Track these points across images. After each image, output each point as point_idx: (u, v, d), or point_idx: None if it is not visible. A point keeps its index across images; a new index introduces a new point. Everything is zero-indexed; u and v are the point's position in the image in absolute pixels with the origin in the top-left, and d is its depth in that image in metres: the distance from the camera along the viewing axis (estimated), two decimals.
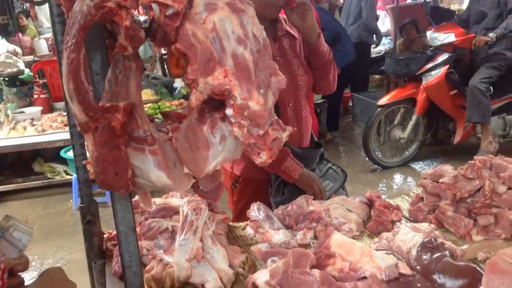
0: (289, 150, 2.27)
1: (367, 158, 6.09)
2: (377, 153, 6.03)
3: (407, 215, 2.03)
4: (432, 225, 1.75)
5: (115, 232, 1.29)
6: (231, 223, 2.09)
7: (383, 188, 5.59)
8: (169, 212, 1.75)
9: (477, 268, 1.52)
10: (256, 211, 2.00)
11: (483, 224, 1.78)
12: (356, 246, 1.54)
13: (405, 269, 1.55)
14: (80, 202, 1.69)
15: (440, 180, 1.90)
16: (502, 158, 1.95)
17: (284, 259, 1.45)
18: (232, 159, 1.27)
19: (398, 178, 5.89)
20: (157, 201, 1.81)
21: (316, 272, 1.40)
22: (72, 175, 5.43)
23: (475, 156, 1.94)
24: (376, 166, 6.07)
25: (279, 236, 1.87)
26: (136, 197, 1.78)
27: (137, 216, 1.77)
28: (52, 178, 5.74)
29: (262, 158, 1.20)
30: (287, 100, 2.29)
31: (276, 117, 1.26)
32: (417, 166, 6.07)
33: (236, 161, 2.40)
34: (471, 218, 1.82)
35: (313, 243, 1.84)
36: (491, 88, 5.56)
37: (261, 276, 1.50)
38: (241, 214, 2.30)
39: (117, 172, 1.10)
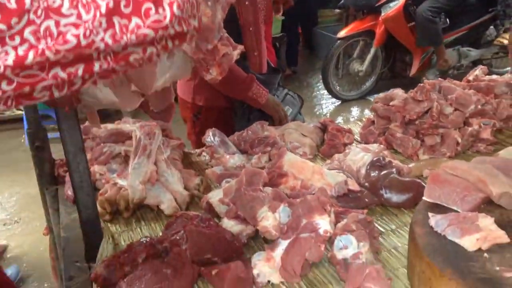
0: (254, 76, 2.26)
1: (326, 92, 6.15)
2: (336, 86, 6.09)
3: (359, 139, 2.08)
4: (382, 146, 1.81)
5: None
6: (186, 150, 2.09)
7: (340, 121, 5.70)
8: (122, 137, 1.72)
9: (422, 183, 1.60)
10: (211, 136, 2.00)
11: (429, 144, 1.85)
12: (308, 165, 1.58)
13: (353, 186, 1.61)
14: (28, 128, 1.64)
15: (391, 103, 1.95)
16: (451, 81, 2.01)
17: (237, 178, 1.47)
18: (181, 77, 1.25)
19: (355, 110, 6.00)
20: (109, 126, 1.78)
21: (269, 189, 1.44)
22: (22, 111, 5.24)
23: (424, 79, 1.98)
24: (334, 99, 6.15)
25: (234, 160, 1.90)
26: (86, 123, 1.74)
27: (89, 142, 1.74)
28: (3, 114, 5.54)
29: (212, 75, 1.19)
30: (248, 25, 2.24)
31: (226, 34, 1.23)
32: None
33: (198, 91, 2.37)
34: (419, 139, 1.89)
35: None
36: (447, 20, 5.62)
37: (215, 195, 1.52)
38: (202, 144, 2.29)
39: None
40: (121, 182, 1.63)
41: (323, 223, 1.26)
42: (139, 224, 1.60)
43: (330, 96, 6.15)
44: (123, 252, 1.31)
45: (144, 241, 1.36)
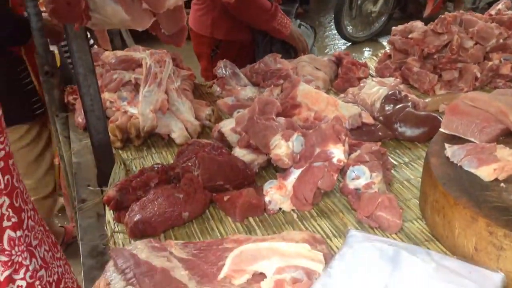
0: (278, 5, 2.18)
1: (336, 34, 6.00)
2: (347, 27, 5.92)
3: (374, 74, 2.03)
4: (398, 80, 1.76)
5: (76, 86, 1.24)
6: (197, 82, 2.05)
7: None
8: (131, 64, 1.68)
9: (438, 117, 1.56)
10: (222, 68, 1.96)
11: (447, 78, 1.80)
12: (322, 96, 1.55)
13: (367, 119, 1.58)
14: (36, 52, 1.60)
15: (409, 36, 1.87)
16: (472, 14, 1.92)
17: (250, 107, 1.44)
18: None
19: (367, 52, 5.87)
20: (118, 53, 1.73)
21: (281, 119, 1.41)
22: None
23: (446, 12, 1.89)
24: (344, 41, 6.01)
25: (245, 92, 1.86)
26: (96, 48, 1.70)
27: (98, 69, 1.70)
28: None
29: None
30: None
31: None
32: (385, 40, 6.03)
33: (217, 24, 2.29)
34: (436, 73, 1.84)
35: None
36: None
37: (227, 125, 1.50)
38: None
39: (68, 1, 1.01)
40: (131, 110, 1.61)
41: (337, 152, 1.24)
42: (150, 152, 1.59)
43: (340, 37, 6.01)
44: (135, 176, 1.31)
45: (156, 167, 1.35)
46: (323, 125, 1.27)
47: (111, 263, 1.06)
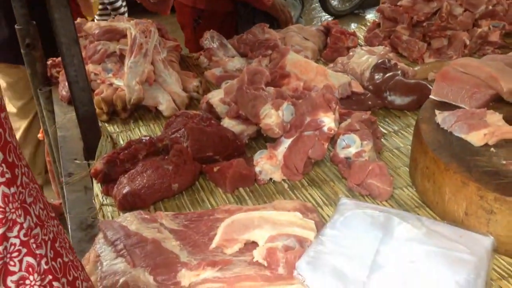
0: None
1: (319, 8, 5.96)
2: (332, 1, 5.89)
3: (363, 44, 2.01)
4: (387, 48, 1.75)
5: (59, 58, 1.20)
6: (183, 53, 2.01)
7: None
8: (116, 35, 1.63)
9: (427, 85, 1.56)
10: (209, 39, 1.92)
11: (436, 46, 1.78)
12: (311, 65, 1.52)
13: (357, 88, 1.57)
14: (17, 24, 1.54)
15: (399, 3, 1.85)
16: None
17: (239, 77, 1.42)
18: None
19: (352, 26, 5.82)
20: (102, 23, 1.68)
21: (271, 89, 1.39)
22: None
23: None
24: (328, 16, 5.97)
25: (233, 63, 1.83)
26: (78, 19, 1.65)
27: (81, 40, 1.65)
28: None
29: None
30: None
31: None
32: (371, 13, 6.01)
33: None
34: (425, 41, 1.82)
35: None
36: None
37: (215, 95, 1.48)
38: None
39: None
40: (117, 82, 1.58)
41: (328, 121, 1.23)
42: (137, 124, 1.57)
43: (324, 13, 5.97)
44: (122, 149, 1.29)
45: (144, 140, 1.33)
46: (313, 93, 1.25)
47: (100, 235, 1.04)
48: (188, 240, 1.04)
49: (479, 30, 1.77)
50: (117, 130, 1.54)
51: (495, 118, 1.16)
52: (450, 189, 1.07)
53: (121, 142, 1.47)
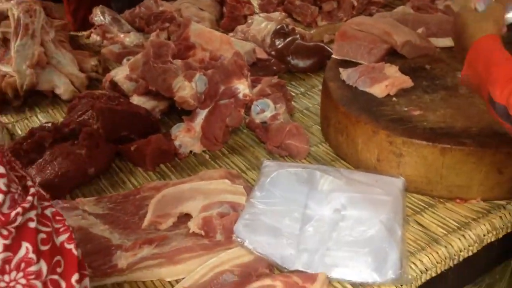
0: None
1: None
2: None
3: (258, 11, 2.03)
4: (284, 14, 1.79)
5: None
6: (72, 33, 1.87)
7: None
8: None
9: (325, 46, 1.63)
10: (100, 15, 1.81)
11: (327, 9, 1.87)
12: (215, 35, 1.51)
13: (261, 54, 1.60)
14: None
15: None
16: None
17: (143, 52, 1.36)
18: None
19: None
20: None
21: (178, 61, 1.36)
22: None
23: None
24: None
25: (130, 39, 1.75)
26: None
27: None
28: None
29: None
30: None
31: None
32: None
33: None
34: (317, 5, 1.90)
35: None
36: None
37: (119, 73, 1.41)
38: (83, 25, 2.06)
39: None
40: (4, 68, 1.43)
41: (242, 87, 1.24)
42: (34, 112, 1.45)
43: None
44: (25, 138, 1.19)
45: (47, 127, 1.24)
46: (225, 61, 1.25)
47: None
48: (118, 223, 1.00)
49: None
50: (12, 120, 1.41)
51: (392, 70, 1.26)
52: (362, 139, 1.15)
53: (20, 132, 1.35)
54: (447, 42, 1.39)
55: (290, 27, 1.69)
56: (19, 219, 0.55)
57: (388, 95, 1.21)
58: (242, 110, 1.26)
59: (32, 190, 0.59)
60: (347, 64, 1.34)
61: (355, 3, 1.86)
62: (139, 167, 1.22)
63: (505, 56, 0.86)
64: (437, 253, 0.99)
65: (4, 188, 0.54)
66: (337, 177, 1.11)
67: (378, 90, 1.21)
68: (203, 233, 0.96)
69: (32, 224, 0.57)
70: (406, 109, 1.16)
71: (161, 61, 1.31)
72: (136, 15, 1.84)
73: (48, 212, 0.61)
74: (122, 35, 1.76)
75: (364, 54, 1.33)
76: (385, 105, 1.19)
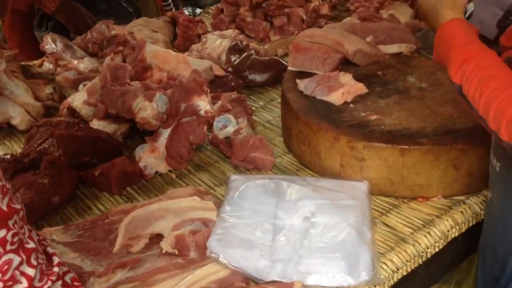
0: None
1: None
2: None
3: (211, 30, 2.06)
4: (237, 31, 1.83)
5: None
6: (23, 62, 1.83)
7: None
8: None
9: (280, 60, 1.67)
10: (51, 43, 1.78)
11: (278, 24, 1.92)
12: (171, 55, 1.52)
13: (218, 71, 1.62)
14: None
15: None
16: None
17: (100, 76, 1.36)
18: None
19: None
20: None
21: (136, 83, 1.35)
22: None
23: None
24: None
25: (84, 64, 1.73)
26: None
27: None
28: None
29: None
30: None
31: None
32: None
33: None
34: (268, 21, 1.95)
35: None
36: None
37: (77, 99, 1.39)
38: (20, 53, 1.99)
39: None
40: None
41: (203, 104, 1.25)
42: None
43: None
44: None
45: (6, 158, 1.20)
46: (183, 79, 1.26)
47: None
48: (88, 249, 0.98)
49: (312, 5, 1.95)
50: None
51: (347, 78, 1.31)
52: (325, 147, 1.19)
53: None
54: (395, 48, 1.47)
55: (245, 43, 1.72)
56: None
57: (345, 102, 1.25)
58: (204, 127, 1.27)
59: (55, 259, 0.62)
60: (302, 75, 1.38)
61: (304, 17, 1.92)
62: (105, 192, 1.20)
63: (463, 40, 0.94)
64: (406, 251, 1.02)
65: (34, 262, 0.56)
66: (304, 186, 1.13)
67: (335, 98, 1.25)
68: (176, 252, 0.96)
69: None
70: (363, 114, 1.21)
71: (119, 84, 1.30)
72: (88, 41, 1.83)
73: (68, 278, 0.61)
74: (76, 62, 1.73)
75: (319, 64, 1.37)
76: (343, 112, 1.23)
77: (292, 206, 1.08)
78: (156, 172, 1.25)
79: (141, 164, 1.23)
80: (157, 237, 1.00)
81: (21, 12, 2.05)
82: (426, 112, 1.21)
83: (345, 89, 1.26)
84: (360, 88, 1.27)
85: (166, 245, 0.96)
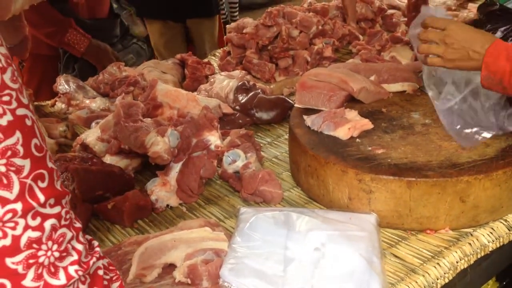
0: (72, 20, 2.09)
1: None
2: None
3: (218, 71, 2.13)
4: (243, 71, 1.89)
5: None
6: (36, 103, 1.89)
7: None
8: None
9: (286, 98, 1.73)
10: (64, 84, 1.84)
11: (283, 66, 1.99)
12: (181, 93, 1.58)
13: (227, 109, 1.67)
14: None
15: (244, 31, 2.02)
16: (291, 7, 2.16)
17: (113, 113, 1.40)
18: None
19: None
20: None
21: (148, 119, 1.40)
22: None
23: (270, 7, 2.09)
24: None
25: (96, 103, 1.78)
26: None
27: None
28: None
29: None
30: None
31: None
32: None
33: None
34: (273, 62, 2.02)
35: None
36: None
37: (90, 135, 1.44)
38: (36, 96, 2.06)
39: None
40: None
41: (213, 139, 1.29)
42: None
43: None
44: None
45: None
46: (194, 115, 1.30)
47: None
48: None
49: (316, 47, 2.03)
50: None
51: (352, 114, 1.35)
52: (333, 180, 1.21)
53: None
54: (398, 87, 1.52)
55: (252, 82, 1.78)
56: (93, 267, 0.62)
57: (352, 137, 1.29)
58: (215, 161, 1.30)
59: (95, 243, 0.66)
60: (309, 111, 1.43)
61: (309, 59, 1.99)
62: (117, 225, 1.22)
63: None
64: (416, 282, 1.03)
65: (82, 240, 0.62)
66: (313, 217, 1.15)
67: (342, 133, 1.29)
68: (189, 281, 0.97)
69: (101, 272, 0.64)
70: (370, 148, 1.24)
71: (132, 120, 1.35)
72: (100, 82, 1.89)
73: (105, 262, 0.66)
74: (88, 101, 1.79)
75: (325, 101, 1.42)
76: (350, 146, 1.26)
77: (302, 237, 1.09)
78: (167, 205, 1.28)
79: (153, 197, 1.26)
80: (170, 267, 1.01)
81: (42, 56, 2.15)
82: (431, 146, 1.24)
83: (351, 125, 1.30)
84: (366, 123, 1.31)
85: (179, 274, 0.97)
